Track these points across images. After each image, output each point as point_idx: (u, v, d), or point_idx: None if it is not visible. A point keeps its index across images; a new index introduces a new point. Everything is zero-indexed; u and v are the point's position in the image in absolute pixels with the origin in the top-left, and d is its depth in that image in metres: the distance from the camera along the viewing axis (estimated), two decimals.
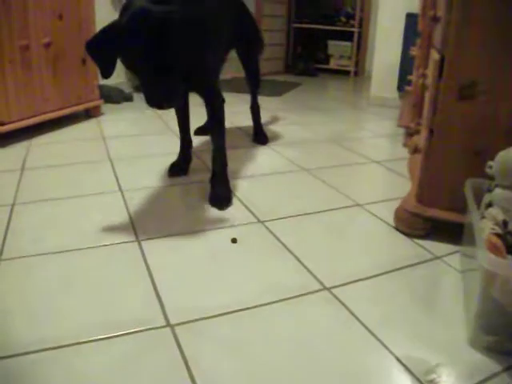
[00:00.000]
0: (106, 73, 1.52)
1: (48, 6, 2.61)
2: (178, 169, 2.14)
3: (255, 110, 2.74)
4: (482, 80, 1.40)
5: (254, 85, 2.67)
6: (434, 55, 1.58)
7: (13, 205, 1.77)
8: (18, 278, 1.31)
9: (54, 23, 2.67)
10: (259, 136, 2.74)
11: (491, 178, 1.31)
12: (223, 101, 1.86)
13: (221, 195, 1.84)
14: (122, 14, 1.53)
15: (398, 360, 1.04)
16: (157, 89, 1.47)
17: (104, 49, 1.48)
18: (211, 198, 1.84)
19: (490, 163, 1.30)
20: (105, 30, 1.48)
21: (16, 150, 2.42)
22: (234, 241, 1.54)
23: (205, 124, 2.74)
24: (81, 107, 2.99)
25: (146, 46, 1.41)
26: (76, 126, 2.93)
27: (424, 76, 1.89)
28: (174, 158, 2.18)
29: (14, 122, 2.47)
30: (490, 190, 1.30)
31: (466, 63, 1.41)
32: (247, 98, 2.70)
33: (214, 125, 1.88)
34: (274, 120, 3.25)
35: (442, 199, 1.56)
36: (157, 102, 1.49)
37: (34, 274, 1.33)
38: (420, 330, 1.15)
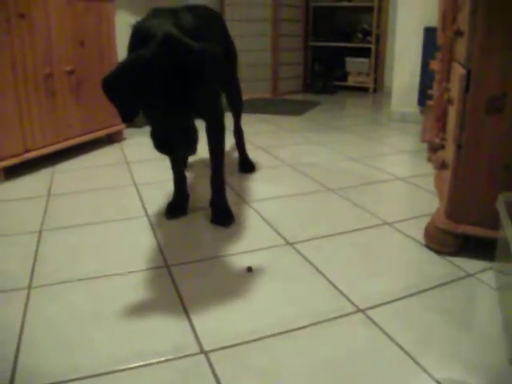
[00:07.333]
0: (128, 116, 1.33)
1: (70, 33, 2.65)
2: (177, 209, 1.93)
3: (239, 136, 2.49)
4: None
5: (237, 106, 2.41)
6: (458, 69, 1.56)
7: (40, 231, 1.78)
8: (49, 306, 1.31)
9: (76, 50, 2.72)
10: (246, 164, 2.52)
11: None
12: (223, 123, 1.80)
13: (222, 214, 1.84)
14: (136, 41, 1.35)
15: None
16: (176, 133, 1.30)
17: (125, 87, 1.26)
18: (213, 218, 1.85)
19: None
20: (126, 64, 1.26)
21: (41, 177, 2.44)
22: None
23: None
24: (103, 132, 3.02)
25: (175, 83, 1.22)
26: (99, 151, 2.96)
27: (448, 90, 1.86)
28: (199, 181, 2.18)
29: (38, 148, 2.50)
30: None
31: (493, 75, 1.39)
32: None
33: (217, 147, 1.83)
34: (288, 141, 3.25)
35: (472, 215, 1.53)
36: (175, 148, 1.34)
37: (64, 301, 1.33)
38: (458, 351, 1.12)
